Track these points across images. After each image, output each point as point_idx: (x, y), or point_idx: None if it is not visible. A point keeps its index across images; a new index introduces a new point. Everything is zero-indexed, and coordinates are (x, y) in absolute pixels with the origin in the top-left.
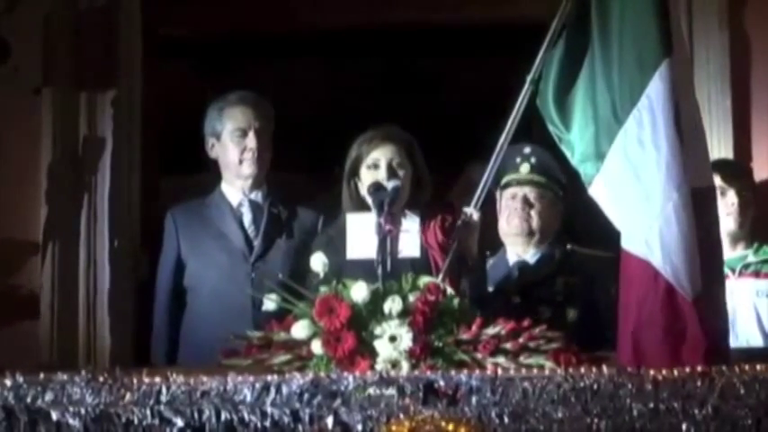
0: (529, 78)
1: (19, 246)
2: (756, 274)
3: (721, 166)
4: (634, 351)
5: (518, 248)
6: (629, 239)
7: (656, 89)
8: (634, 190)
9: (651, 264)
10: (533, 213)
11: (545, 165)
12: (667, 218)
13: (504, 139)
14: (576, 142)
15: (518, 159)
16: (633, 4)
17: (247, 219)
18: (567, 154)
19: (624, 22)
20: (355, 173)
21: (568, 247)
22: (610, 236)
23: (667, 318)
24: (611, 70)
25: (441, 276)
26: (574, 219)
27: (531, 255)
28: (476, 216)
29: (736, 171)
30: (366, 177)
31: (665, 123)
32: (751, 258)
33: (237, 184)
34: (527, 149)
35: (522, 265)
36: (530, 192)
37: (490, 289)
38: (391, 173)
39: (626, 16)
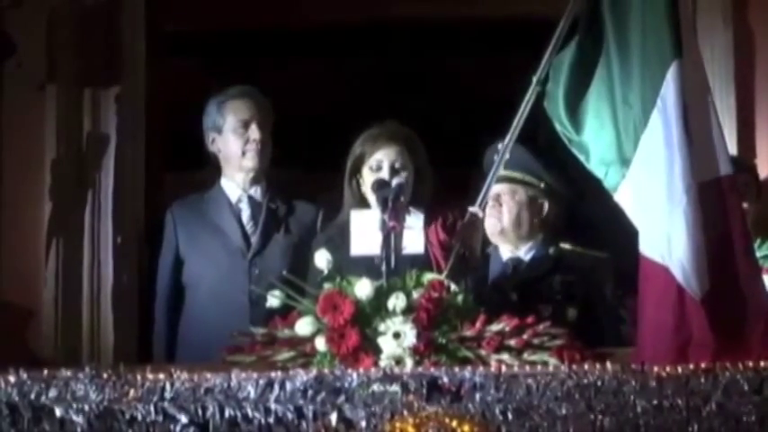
0: (535, 79)
1: (22, 242)
2: None
3: None
4: (649, 354)
5: (507, 245)
6: (646, 243)
7: (667, 91)
8: (654, 194)
9: (665, 266)
10: (504, 211)
11: (519, 161)
12: (678, 219)
13: (509, 139)
14: (590, 146)
15: (494, 158)
16: (647, 6)
17: (245, 215)
18: (580, 157)
19: (643, 25)
20: (357, 170)
21: (562, 245)
22: (605, 236)
23: (677, 319)
24: (630, 74)
25: (445, 274)
26: (568, 218)
27: (524, 252)
28: (480, 215)
29: (735, 166)
30: (368, 178)
31: (675, 125)
32: None
33: (238, 179)
34: (500, 147)
35: (517, 263)
36: (501, 189)
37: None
38: (394, 174)
39: (643, 19)
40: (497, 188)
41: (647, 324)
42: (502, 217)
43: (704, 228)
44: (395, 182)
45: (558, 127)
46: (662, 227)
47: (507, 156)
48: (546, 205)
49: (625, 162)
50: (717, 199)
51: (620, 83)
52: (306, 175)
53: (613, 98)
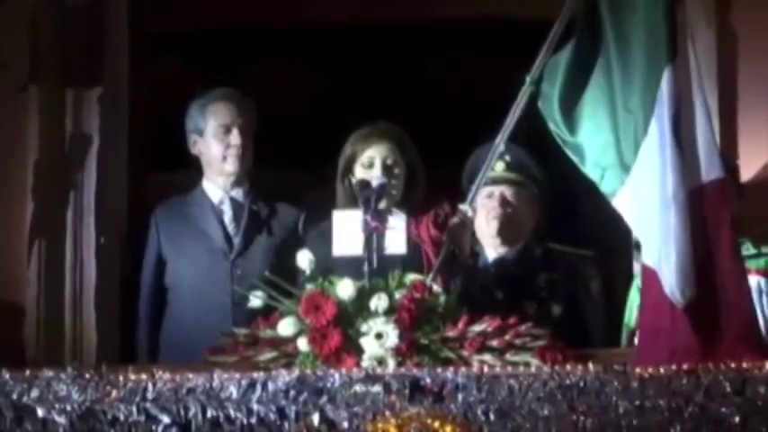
0: (529, 79)
1: (4, 242)
2: None
3: None
4: (646, 358)
5: (497, 247)
6: (645, 250)
7: (661, 97)
8: (649, 201)
9: (655, 271)
10: (511, 212)
11: (520, 162)
12: (667, 226)
13: (500, 138)
14: (585, 148)
15: (479, 163)
16: (648, 10)
17: (228, 216)
18: (574, 158)
19: (644, 30)
20: (350, 170)
21: (548, 244)
22: (588, 234)
23: (669, 325)
24: (631, 79)
25: (432, 274)
26: (552, 216)
27: (510, 252)
28: (470, 213)
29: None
30: (360, 175)
31: (667, 131)
32: None
33: (219, 182)
34: (501, 147)
35: (502, 262)
36: (506, 190)
37: None
38: (386, 171)
39: (645, 24)
40: (501, 190)
41: (645, 329)
42: (508, 219)
43: (693, 234)
44: (377, 182)
45: (551, 127)
46: (655, 234)
47: (508, 157)
48: (539, 206)
49: (625, 168)
50: (706, 204)
51: (621, 88)
52: (289, 175)
53: (613, 103)
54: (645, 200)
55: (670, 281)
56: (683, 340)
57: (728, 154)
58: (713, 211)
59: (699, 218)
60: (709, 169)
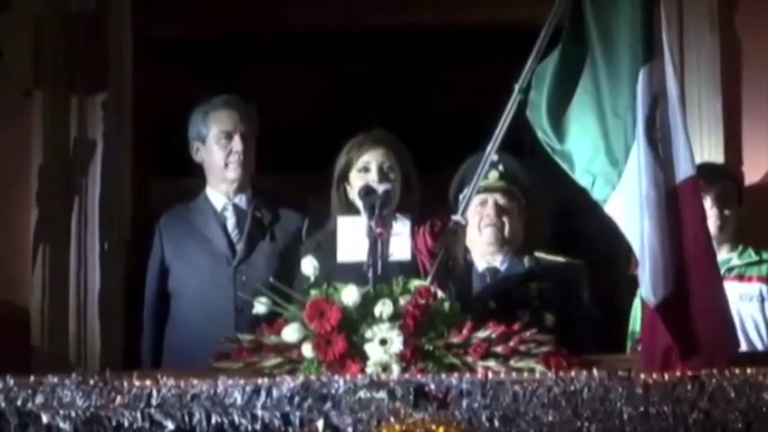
0: (517, 87)
1: (9, 247)
2: (740, 278)
3: (699, 168)
4: (647, 360)
5: (487, 256)
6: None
7: (638, 98)
8: (633, 203)
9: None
10: (506, 221)
11: (513, 172)
12: (641, 228)
13: (491, 147)
14: (574, 155)
15: (485, 167)
16: (626, 12)
17: (231, 223)
18: (564, 166)
19: (629, 34)
20: (344, 178)
21: (536, 254)
22: (592, 243)
23: (649, 328)
24: (618, 84)
25: (428, 281)
26: (540, 225)
27: (499, 261)
28: (464, 223)
29: (715, 173)
30: (356, 181)
31: (643, 131)
32: (735, 261)
33: (222, 188)
34: (494, 157)
35: (494, 272)
36: (500, 199)
37: None
38: (382, 176)
39: (629, 28)
40: (495, 198)
41: (643, 330)
42: (504, 228)
43: (669, 235)
44: (382, 188)
45: (540, 135)
46: (637, 236)
47: (501, 166)
48: (529, 216)
49: (616, 173)
50: (681, 203)
51: (609, 93)
52: (291, 179)
53: (601, 108)
54: (630, 203)
55: (645, 281)
56: (664, 340)
57: (733, 160)
58: (687, 210)
59: (676, 218)
60: (684, 168)
